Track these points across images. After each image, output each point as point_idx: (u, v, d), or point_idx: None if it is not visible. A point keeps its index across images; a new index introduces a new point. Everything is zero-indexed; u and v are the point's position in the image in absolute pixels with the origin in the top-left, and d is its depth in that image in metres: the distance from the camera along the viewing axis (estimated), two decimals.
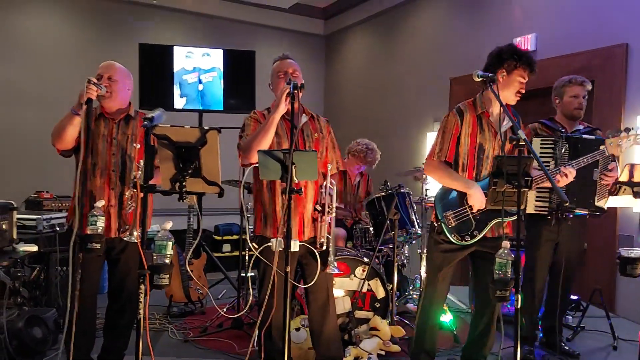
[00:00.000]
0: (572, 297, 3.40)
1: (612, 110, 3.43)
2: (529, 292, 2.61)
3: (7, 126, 4.64)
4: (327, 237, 2.05)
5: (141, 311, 1.61)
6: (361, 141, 3.60)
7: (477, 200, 2.09)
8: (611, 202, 2.42)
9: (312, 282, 2.15)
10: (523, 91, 2.14)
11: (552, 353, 2.70)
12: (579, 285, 3.50)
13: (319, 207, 2.06)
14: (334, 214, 2.06)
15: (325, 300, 2.22)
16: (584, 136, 2.51)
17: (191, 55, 4.33)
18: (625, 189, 2.36)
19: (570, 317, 3.29)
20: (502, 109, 2.05)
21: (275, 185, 2.13)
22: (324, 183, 2.04)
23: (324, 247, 2.05)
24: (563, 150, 2.51)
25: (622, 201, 2.45)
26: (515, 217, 2.11)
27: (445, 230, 2.15)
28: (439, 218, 2.17)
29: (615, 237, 3.44)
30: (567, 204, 2.13)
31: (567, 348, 2.74)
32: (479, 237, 2.13)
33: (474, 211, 2.12)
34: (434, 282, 2.24)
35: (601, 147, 2.26)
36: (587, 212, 2.49)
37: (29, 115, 4.67)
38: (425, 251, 3.33)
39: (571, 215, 2.51)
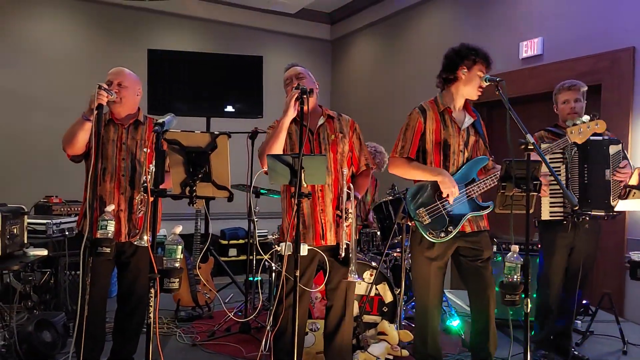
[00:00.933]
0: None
1: (620, 114, 3.42)
2: (545, 298, 2.61)
3: (17, 132, 4.69)
4: (347, 244, 2.01)
5: (151, 315, 1.62)
6: (369, 144, 3.61)
7: (447, 185, 2.08)
8: (621, 205, 2.41)
9: (332, 288, 2.15)
10: (484, 85, 2.15)
11: (562, 358, 2.68)
12: (587, 289, 3.47)
13: (339, 212, 2.04)
14: (353, 220, 2.00)
15: (342, 307, 2.19)
16: (592, 138, 2.49)
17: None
18: (635, 193, 2.34)
19: (579, 321, 3.26)
20: (508, 110, 2.04)
21: (288, 190, 2.14)
22: (345, 189, 2.01)
23: (343, 254, 2.02)
24: (573, 153, 2.52)
25: (631, 205, 2.44)
26: (489, 210, 2.14)
27: (419, 228, 2.14)
28: (412, 217, 2.17)
29: (624, 241, 3.42)
30: (577, 208, 2.13)
31: (576, 353, 2.72)
32: (454, 232, 2.12)
33: (449, 201, 2.12)
34: (426, 290, 2.19)
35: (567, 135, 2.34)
36: (603, 214, 2.49)
37: (39, 121, 4.72)
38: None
39: (588, 218, 2.51)
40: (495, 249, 3.28)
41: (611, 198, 2.48)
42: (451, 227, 2.13)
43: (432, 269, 2.18)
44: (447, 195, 2.10)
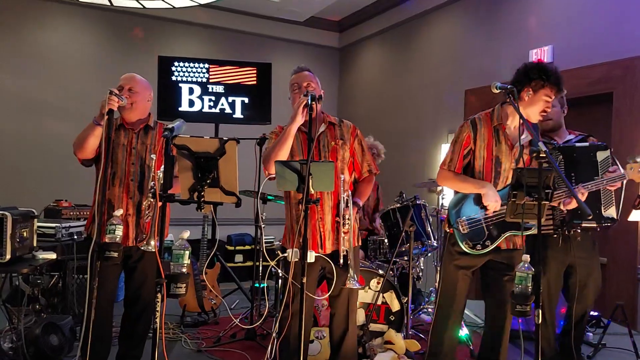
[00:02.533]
0: (593, 313, 3.31)
1: (633, 123, 3.37)
2: (542, 319, 2.50)
3: (29, 136, 4.76)
4: (346, 251, 2.00)
5: (157, 320, 1.61)
6: None
7: (491, 198, 2.06)
8: (634, 215, 2.36)
9: (334, 296, 2.13)
10: (549, 110, 2.11)
11: None
12: (599, 301, 3.40)
13: (338, 219, 2.03)
14: (351, 227, 2.00)
15: (344, 315, 2.18)
16: (578, 144, 2.42)
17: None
18: None
19: (590, 334, 3.19)
20: (521, 122, 2.02)
21: (289, 196, 2.14)
22: (343, 196, 2.00)
23: (342, 261, 2.01)
24: (559, 161, 2.40)
25: None
26: (530, 232, 2.09)
27: (457, 236, 2.13)
28: (452, 224, 2.16)
29: (636, 251, 3.35)
30: (591, 217, 2.05)
31: None
32: (491, 247, 2.10)
33: (489, 214, 2.10)
34: (451, 296, 2.19)
35: (622, 170, 2.19)
36: (595, 225, 2.37)
37: (50, 126, 4.79)
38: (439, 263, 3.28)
39: (579, 230, 2.39)
40: None
41: (602, 207, 2.34)
42: (488, 242, 2.11)
43: (460, 276, 2.17)
44: (488, 207, 2.08)
